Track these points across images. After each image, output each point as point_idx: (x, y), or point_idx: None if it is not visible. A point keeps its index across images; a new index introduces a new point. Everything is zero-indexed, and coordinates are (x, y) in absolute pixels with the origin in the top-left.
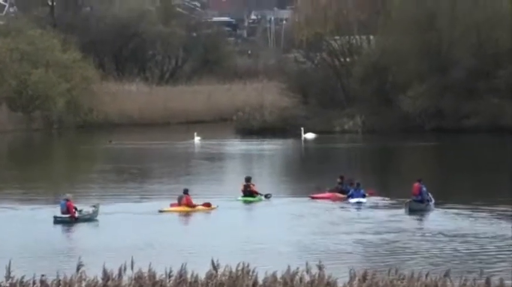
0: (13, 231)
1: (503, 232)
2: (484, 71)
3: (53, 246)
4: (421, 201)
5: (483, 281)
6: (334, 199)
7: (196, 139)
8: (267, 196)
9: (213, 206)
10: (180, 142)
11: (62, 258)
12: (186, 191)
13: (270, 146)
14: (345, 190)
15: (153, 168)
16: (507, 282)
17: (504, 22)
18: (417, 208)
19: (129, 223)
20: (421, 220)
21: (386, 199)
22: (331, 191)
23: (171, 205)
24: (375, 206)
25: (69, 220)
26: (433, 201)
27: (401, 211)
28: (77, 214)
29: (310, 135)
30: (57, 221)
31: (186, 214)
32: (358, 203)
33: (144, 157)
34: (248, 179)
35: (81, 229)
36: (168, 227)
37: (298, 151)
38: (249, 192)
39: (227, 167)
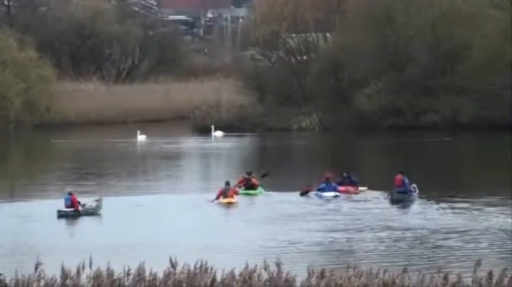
0: None
1: (469, 227)
2: (440, 67)
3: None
4: (404, 192)
5: (441, 277)
6: (351, 193)
7: (141, 137)
8: (264, 176)
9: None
10: (123, 140)
11: (22, 256)
12: (228, 183)
13: (221, 144)
14: (354, 182)
15: (87, 167)
16: (466, 279)
17: (459, 18)
18: (400, 199)
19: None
20: (391, 214)
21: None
22: (341, 185)
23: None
24: (345, 200)
25: (73, 213)
26: (417, 191)
27: (371, 205)
28: (80, 208)
29: (219, 134)
30: (60, 215)
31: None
32: (331, 197)
33: (82, 155)
34: (250, 173)
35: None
36: (134, 224)
37: (247, 149)
38: (250, 185)
39: (164, 164)
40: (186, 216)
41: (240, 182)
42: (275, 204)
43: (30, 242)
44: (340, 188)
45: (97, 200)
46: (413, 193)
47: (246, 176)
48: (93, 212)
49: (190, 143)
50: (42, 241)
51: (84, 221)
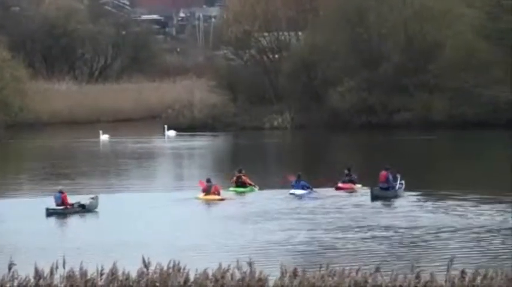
0: None
1: (445, 225)
2: (413, 66)
3: None
4: (387, 188)
5: (414, 276)
6: (354, 189)
7: (104, 137)
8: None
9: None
10: (86, 140)
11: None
12: (210, 180)
13: (173, 144)
14: (354, 180)
15: (47, 166)
16: (440, 278)
17: (432, 16)
18: (381, 195)
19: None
20: (369, 212)
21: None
22: (343, 183)
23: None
24: (326, 197)
25: (62, 211)
26: (402, 187)
27: (352, 202)
28: (75, 206)
29: (172, 133)
30: (49, 213)
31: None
32: (298, 194)
33: (41, 155)
34: (240, 170)
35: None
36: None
37: (199, 148)
38: (240, 183)
39: (125, 163)
40: (163, 214)
41: (233, 181)
42: (255, 202)
43: (12, 242)
44: (342, 185)
45: (93, 198)
46: (396, 189)
47: (238, 174)
48: (85, 208)
49: (148, 142)
50: (25, 240)
51: (70, 220)
